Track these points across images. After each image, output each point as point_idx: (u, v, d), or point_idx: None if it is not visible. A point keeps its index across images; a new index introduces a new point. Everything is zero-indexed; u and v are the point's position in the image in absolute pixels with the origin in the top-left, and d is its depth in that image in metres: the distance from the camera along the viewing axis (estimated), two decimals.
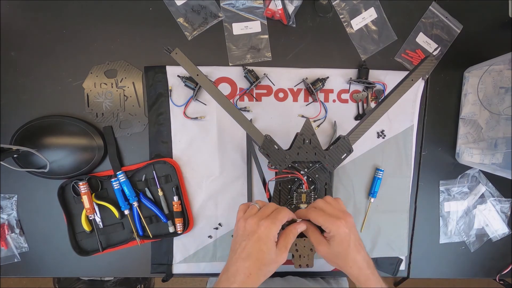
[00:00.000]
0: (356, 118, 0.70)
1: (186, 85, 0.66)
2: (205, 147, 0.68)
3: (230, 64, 0.68)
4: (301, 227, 0.48)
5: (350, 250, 0.46)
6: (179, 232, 0.67)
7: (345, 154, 0.56)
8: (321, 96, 0.69)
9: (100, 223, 0.67)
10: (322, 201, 0.50)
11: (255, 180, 0.69)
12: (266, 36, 0.68)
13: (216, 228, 0.70)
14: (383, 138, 0.71)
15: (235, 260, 0.44)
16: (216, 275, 0.71)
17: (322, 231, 0.49)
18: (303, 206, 0.56)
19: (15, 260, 0.69)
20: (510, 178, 0.61)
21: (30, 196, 0.68)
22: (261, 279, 0.44)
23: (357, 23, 0.70)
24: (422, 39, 0.71)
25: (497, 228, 0.74)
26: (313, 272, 0.73)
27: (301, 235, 0.57)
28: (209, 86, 0.53)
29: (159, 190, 0.67)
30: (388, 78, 0.70)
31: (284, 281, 0.70)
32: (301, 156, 0.55)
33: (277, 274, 0.71)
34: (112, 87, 0.67)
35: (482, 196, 0.74)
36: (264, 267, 0.44)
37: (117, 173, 0.66)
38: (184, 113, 0.67)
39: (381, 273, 0.72)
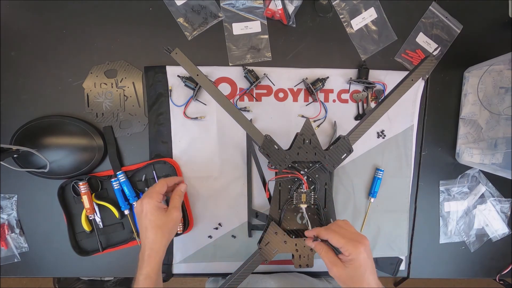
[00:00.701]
0: (356, 118, 0.70)
1: (186, 85, 0.66)
2: (205, 147, 0.68)
3: (230, 64, 0.68)
4: (183, 187, 0.58)
5: (367, 274, 0.46)
6: (179, 232, 0.67)
7: (345, 154, 0.56)
8: (321, 96, 0.69)
9: (100, 223, 0.67)
10: (336, 225, 0.50)
11: (255, 180, 0.69)
12: (266, 36, 0.68)
13: (216, 228, 0.70)
14: (383, 138, 0.71)
15: (141, 239, 0.54)
16: (216, 275, 0.71)
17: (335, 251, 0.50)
18: (303, 206, 0.56)
19: (15, 260, 0.69)
20: (510, 178, 0.61)
21: (30, 196, 0.68)
22: (166, 238, 0.53)
23: (357, 23, 0.70)
24: (422, 39, 0.71)
25: (497, 228, 0.74)
26: (313, 272, 0.73)
27: (301, 235, 0.57)
28: (209, 86, 0.53)
29: None
30: (388, 78, 0.70)
31: (294, 276, 0.70)
32: (301, 156, 0.55)
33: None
34: (112, 87, 0.67)
35: (482, 196, 0.74)
36: (161, 229, 0.53)
37: (117, 173, 0.66)
38: (184, 113, 0.67)
39: (381, 273, 0.72)
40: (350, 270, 0.46)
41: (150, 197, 0.53)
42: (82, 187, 0.64)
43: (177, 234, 0.68)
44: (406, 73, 0.60)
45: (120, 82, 0.67)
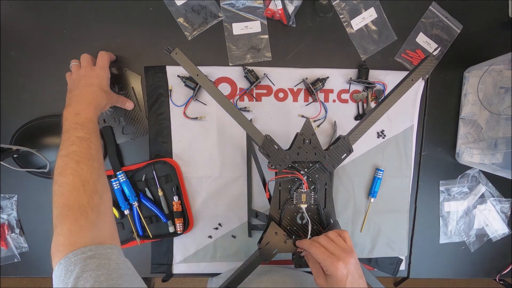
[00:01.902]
0: (356, 118, 0.70)
1: (186, 85, 0.66)
2: (205, 147, 0.68)
3: (230, 64, 0.68)
4: (129, 105, 0.66)
5: (346, 286, 0.46)
6: (179, 232, 0.67)
7: (345, 154, 0.56)
8: (321, 96, 0.69)
9: None
10: (325, 237, 0.50)
11: (255, 180, 0.69)
12: (266, 36, 0.68)
13: (216, 228, 0.70)
14: (383, 138, 0.71)
15: (80, 88, 0.57)
16: (216, 275, 0.71)
17: None
18: (303, 206, 0.56)
19: (15, 260, 0.69)
20: (510, 178, 0.61)
21: (30, 196, 0.68)
22: (103, 104, 0.57)
23: (357, 23, 0.70)
24: (422, 39, 0.71)
25: (497, 228, 0.74)
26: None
27: (301, 235, 0.57)
28: (209, 86, 0.53)
29: (159, 190, 0.67)
30: (388, 78, 0.70)
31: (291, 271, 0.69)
32: (301, 156, 0.55)
33: None
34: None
35: (482, 196, 0.74)
36: (106, 95, 0.58)
37: (117, 173, 0.66)
38: (184, 113, 0.67)
39: (381, 273, 0.72)
40: (330, 283, 0.46)
41: (105, 69, 0.60)
42: None
43: (177, 234, 0.68)
44: (406, 73, 0.60)
45: (119, 87, 0.67)
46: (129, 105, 0.65)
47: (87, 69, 0.59)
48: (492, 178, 0.73)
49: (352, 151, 0.56)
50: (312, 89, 0.66)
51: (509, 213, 0.74)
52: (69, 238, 0.41)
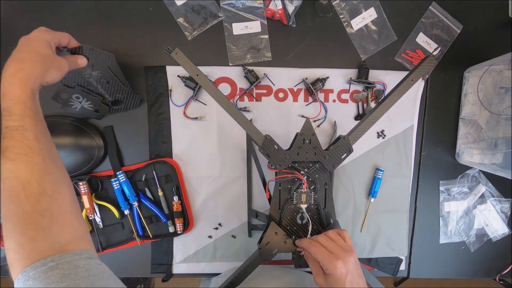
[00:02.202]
0: (356, 118, 0.70)
1: (186, 85, 0.66)
2: (205, 147, 0.68)
3: (230, 64, 0.68)
4: (81, 61, 0.54)
5: (346, 285, 0.45)
6: (179, 232, 0.67)
7: (345, 154, 0.56)
8: (321, 96, 0.69)
9: (100, 223, 0.67)
10: (324, 237, 0.50)
11: (255, 180, 0.69)
12: (266, 36, 0.68)
13: (216, 228, 0.70)
14: (383, 138, 0.71)
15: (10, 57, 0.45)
16: (216, 275, 0.71)
17: None
18: (303, 206, 0.56)
19: None
20: (510, 178, 0.61)
21: None
22: (41, 69, 0.44)
23: (357, 23, 0.70)
24: (422, 39, 0.71)
25: (497, 228, 0.74)
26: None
27: (301, 235, 0.57)
28: (209, 86, 0.53)
29: (159, 190, 0.67)
30: (388, 78, 0.70)
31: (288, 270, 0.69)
32: (301, 156, 0.55)
33: None
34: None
35: (482, 196, 0.74)
36: (42, 58, 0.45)
37: (117, 173, 0.66)
38: (184, 113, 0.67)
39: (381, 273, 0.72)
40: (329, 283, 0.46)
41: (47, 32, 0.49)
42: (82, 187, 0.64)
43: (177, 234, 0.68)
44: (406, 73, 0.60)
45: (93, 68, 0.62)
46: (81, 61, 0.54)
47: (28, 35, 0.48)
48: (492, 178, 0.73)
49: (352, 151, 0.56)
50: (312, 89, 0.66)
51: (509, 213, 0.74)
52: (21, 253, 0.35)
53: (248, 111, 0.68)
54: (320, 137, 0.66)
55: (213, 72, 0.68)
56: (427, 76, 0.70)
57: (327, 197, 0.58)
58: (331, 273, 0.45)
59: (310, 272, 0.72)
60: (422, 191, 0.73)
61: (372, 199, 0.70)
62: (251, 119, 0.68)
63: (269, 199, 0.62)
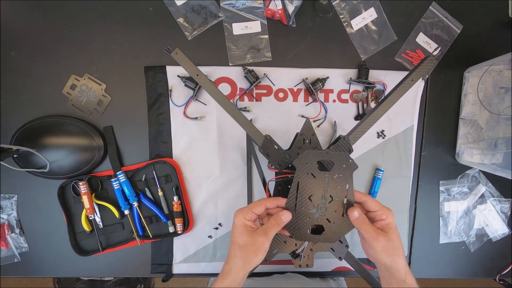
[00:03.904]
0: (356, 118, 0.70)
1: (186, 85, 0.66)
2: (205, 147, 0.68)
3: (230, 64, 0.68)
4: (286, 216, 0.47)
5: (400, 240, 0.48)
6: (179, 232, 0.67)
7: None
8: (321, 96, 0.69)
9: (100, 223, 0.67)
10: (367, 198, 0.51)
11: (255, 180, 0.69)
12: (266, 36, 0.68)
13: (216, 228, 0.70)
14: (383, 138, 0.71)
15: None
16: (216, 275, 0.71)
17: None
18: None
19: (15, 260, 0.69)
20: (510, 178, 0.61)
21: (30, 196, 0.68)
22: (243, 261, 0.46)
23: (357, 23, 0.70)
24: (422, 39, 0.71)
25: (497, 228, 0.74)
26: (312, 272, 0.73)
27: None
28: (209, 86, 0.53)
29: (159, 190, 0.67)
30: (388, 78, 0.70)
31: (283, 278, 0.70)
32: None
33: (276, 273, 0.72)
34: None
35: (482, 196, 0.74)
36: (240, 249, 0.47)
37: (117, 173, 0.66)
38: (184, 113, 0.67)
39: None
40: (392, 238, 0.47)
41: (241, 211, 0.48)
42: (82, 187, 0.64)
43: (177, 234, 0.68)
44: (406, 73, 0.60)
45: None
46: (285, 218, 0.48)
47: None
48: (492, 178, 0.73)
49: (352, 151, 0.56)
50: (312, 89, 0.66)
51: (509, 213, 0.74)
52: None
53: (248, 111, 0.68)
54: (320, 137, 0.66)
55: (213, 72, 0.68)
56: (427, 76, 0.70)
57: None
58: (390, 221, 0.48)
59: (310, 274, 0.72)
60: (422, 191, 0.73)
61: None
62: (251, 119, 0.68)
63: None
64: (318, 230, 0.50)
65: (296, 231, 0.49)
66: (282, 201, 0.49)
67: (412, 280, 0.48)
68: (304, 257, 0.56)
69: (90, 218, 0.67)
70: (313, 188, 0.48)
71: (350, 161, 0.48)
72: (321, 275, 0.73)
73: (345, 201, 0.49)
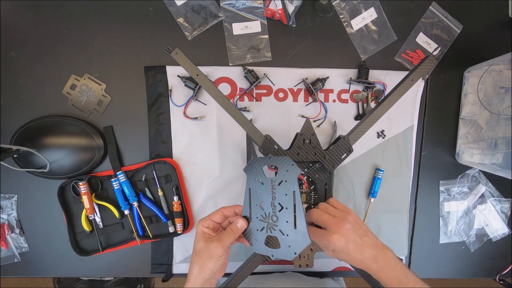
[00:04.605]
0: (356, 118, 0.70)
1: (186, 85, 0.66)
2: (205, 147, 0.68)
3: (230, 64, 0.68)
4: (240, 223, 0.48)
5: (352, 253, 0.45)
6: (179, 232, 0.67)
7: (345, 154, 0.56)
8: (321, 96, 0.69)
9: (100, 223, 0.67)
10: (322, 207, 0.50)
11: None
12: (266, 36, 0.68)
13: None
14: (383, 138, 0.71)
15: None
16: None
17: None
18: (303, 206, 0.56)
19: (15, 260, 0.69)
20: (510, 178, 0.61)
21: (30, 196, 0.68)
22: (199, 268, 0.48)
23: (357, 23, 0.70)
24: (422, 39, 0.71)
25: (497, 228, 0.74)
26: (312, 272, 0.73)
27: None
28: (209, 86, 0.53)
29: (159, 190, 0.67)
30: (388, 78, 0.70)
31: (283, 276, 0.70)
32: (301, 156, 0.55)
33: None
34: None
35: (482, 196, 0.74)
36: (196, 256, 0.48)
37: (117, 173, 0.66)
38: (184, 113, 0.67)
39: None
40: (334, 241, 0.46)
41: (201, 220, 0.50)
42: (82, 187, 0.64)
43: (177, 234, 0.68)
44: (406, 73, 0.60)
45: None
46: (241, 225, 0.48)
47: None
48: (492, 178, 0.73)
49: (352, 151, 0.56)
50: (312, 89, 0.66)
51: (509, 213, 0.74)
52: None
53: (248, 111, 0.68)
54: (320, 137, 0.66)
55: (213, 72, 0.68)
56: (427, 76, 0.70)
57: (327, 197, 0.58)
58: (331, 247, 0.45)
59: (310, 273, 0.73)
60: (422, 191, 0.73)
61: (372, 199, 0.70)
62: (251, 119, 0.68)
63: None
64: (277, 243, 0.48)
65: (253, 241, 0.49)
66: (239, 208, 0.50)
67: (381, 273, 0.46)
68: (304, 257, 0.56)
69: (90, 218, 0.67)
70: (262, 195, 0.47)
71: (292, 165, 0.45)
72: (321, 275, 0.73)
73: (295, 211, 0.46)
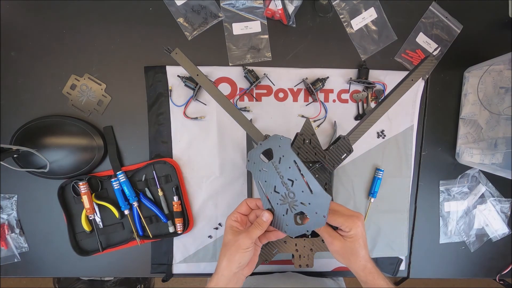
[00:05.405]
0: (356, 118, 0.70)
1: (186, 85, 0.66)
2: (205, 147, 0.68)
3: (230, 64, 0.68)
4: (265, 216, 0.49)
5: (362, 246, 0.50)
6: (179, 232, 0.67)
7: (345, 154, 0.56)
8: (321, 96, 0.69)
9: (100, 223, 0.67)
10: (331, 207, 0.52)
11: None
12: (266, 36, 0.68)
13: (216, 228, 0.70)
14: (383, 138, 0.71)
15: None
16: None
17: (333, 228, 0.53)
18: None
19: (15, 260, 0.69)
20: (510, 178, 0.61)
21: (30, 196, 0.68)
22: (227, 260, 0.48)
23: (357, 23, 0.70)
24: (422, 39, 0.71)
25: (497, 228, 0.74)
26: (312, 272, 0.73)
27: (301, 236, 0.57)
28: (209, 86, 0.53)
29: (159, 190, 0.67)
30: (388, 78, 0.70)
31: (283, 276, 0.70)
32: (301, 156, 0.55)
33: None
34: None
35: (482, 196, 0.74)
36: (225, 248, 0.49)
37: (117, 173, 0.66)
38: (184, 113, 0.67)
39: None
40: (348, 243, 0.50)
41: (230, 215, 0.52)
42: (82, 187, 0.64)
43: (177, 234, 0.68)
44: (406, 73, 0.60)
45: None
46: (266, 218, 0.49)
47: None
48: (492, 178, 0.73)
49: (352, 151, 0.56)
50: (312, 89, 0.66)
51: (509, 213, 0.74)
52: None
53: (248, 111, 0.68)
54: (320, 137, 0.66)
55: (213, 72, 0.68)
56: (427, 76, 0.70)
57: None
58: (354, 232, 0.49)
59: (310, 273, 0.73)
60: (422, 191, 0.73)
61: (372, 199, 0.70)
62: (251, 119, 0.68)
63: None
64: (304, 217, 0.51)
65: (285, 228, 0.49)
66: (260, 202, 0.51)
67: (374, 281, 0.50)
68: (304, 257, 0.56)
69: (90, 218, 0.67)
70: (271, 179, 0.48)
71: (281, 138, 0.48)
72: (321, 275, 0.73)
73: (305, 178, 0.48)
